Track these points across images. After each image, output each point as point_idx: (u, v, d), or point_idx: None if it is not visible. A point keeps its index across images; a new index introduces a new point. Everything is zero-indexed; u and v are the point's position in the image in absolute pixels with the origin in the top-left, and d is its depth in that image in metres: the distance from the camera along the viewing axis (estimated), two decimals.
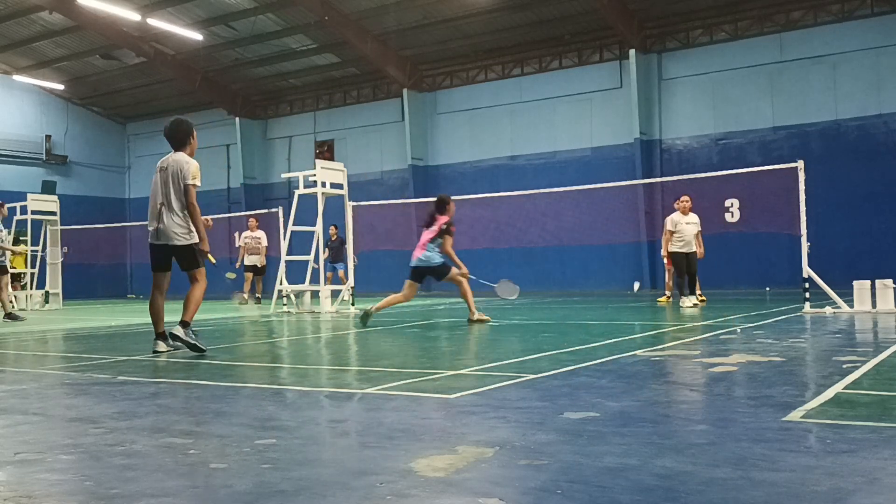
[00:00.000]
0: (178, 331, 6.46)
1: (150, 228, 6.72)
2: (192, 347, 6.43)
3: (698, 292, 12.83)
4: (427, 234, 9.64)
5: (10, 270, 18.55)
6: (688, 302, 12.04)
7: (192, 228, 6.69)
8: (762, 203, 16.84)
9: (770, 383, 4.21)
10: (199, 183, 6.83)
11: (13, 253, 16.00)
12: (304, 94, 27.99)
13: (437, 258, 9.62)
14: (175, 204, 6.67)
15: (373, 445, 2.94)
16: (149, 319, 6.83)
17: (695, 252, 12.80)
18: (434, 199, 10.12)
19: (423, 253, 9.59)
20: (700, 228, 13.07)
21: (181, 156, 6.97)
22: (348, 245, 14.26)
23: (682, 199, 13.10)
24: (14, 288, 18.05)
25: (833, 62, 19.37)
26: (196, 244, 6.66)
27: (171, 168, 6.80)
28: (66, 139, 30.20)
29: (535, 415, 3.45)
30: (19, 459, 2.81)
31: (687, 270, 12.62)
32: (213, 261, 6.91)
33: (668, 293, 13.80)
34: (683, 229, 12.78)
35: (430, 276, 9.84)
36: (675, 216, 12.93)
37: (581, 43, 22.67)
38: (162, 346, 6.64)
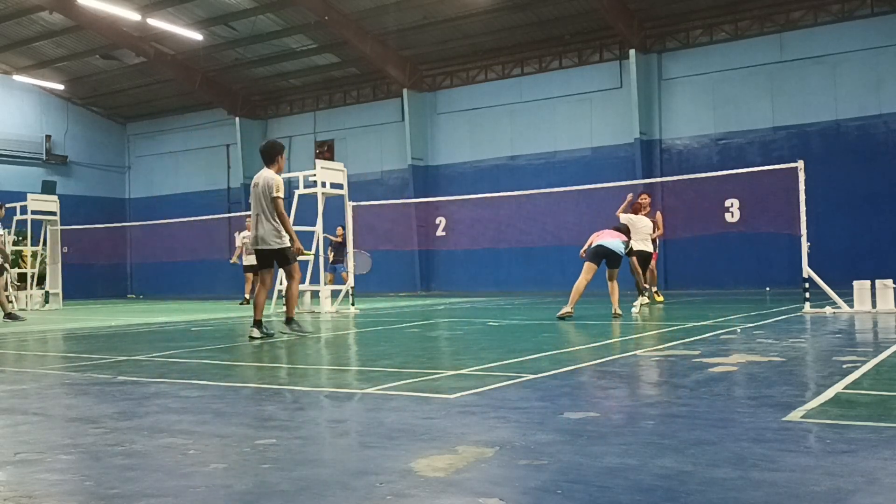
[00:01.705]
0: (285, 328, 7.89)
1: (251, 236, 8.01)
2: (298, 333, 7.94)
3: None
4: (618, 237, 10.43)
5: (19, 271, 18.61)
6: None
7: (283, 233, 7.84)
8: (762, 203, 16.83)
9: (770, 383, 4.21)
10: (282, 195, 7.87)
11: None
12: (304, 94, 27.99)
13: (622, 250, 10.44)
14: (268, 214, 7.84)
15: (373, 445, 2.94)
16: (148, 320, 6.92)
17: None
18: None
19: (616, 241, 10.33)
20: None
21: (269, 172, 8.00)
22: (348, 245, 14.25)
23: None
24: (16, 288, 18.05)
25: (833, 62, 19.37)
26: (288, 247, 7.85)
27: (262, 184, 7.89)
28: (66, 139, 30.19)
29: (535, 415, 3.45)
30: (19, 459, 2.81)
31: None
32: (309, 255, 7.85)
33: (654, 290, 13.72)
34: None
35: (605, 259, 10.45)
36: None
37: (581, 43, 22.67)
38: (256, 333, 7.74)
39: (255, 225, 7.89)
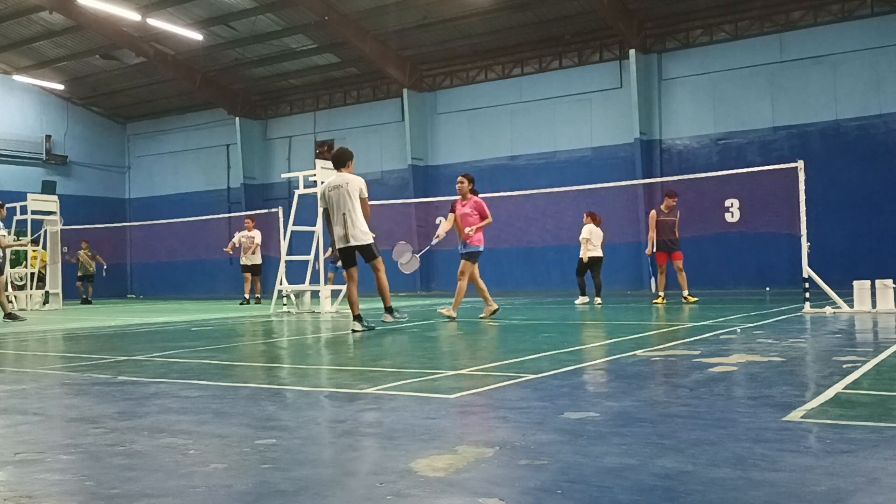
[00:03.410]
0: (388, 318, 8.61)
1: (338, 235, 8.43)
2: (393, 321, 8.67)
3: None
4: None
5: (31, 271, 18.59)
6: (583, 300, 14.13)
7: (368, 230, 8.47)
8: (762, 203, 16.84)
9: (770, 383, 4.21)
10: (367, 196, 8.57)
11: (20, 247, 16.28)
12: (304, 94, 27.99)
13: None
14: (357, 212, 8.40)
15: (373, 445, 2.94)
16: (148, 320, 6.90)
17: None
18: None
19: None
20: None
21: (350, 175, 8.58)
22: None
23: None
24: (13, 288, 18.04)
25: (833, 62, 19.37)
26: (373, 243, 8.50)
27: (347, 186, 8.42)
28: (66, 139, 30.20)
29: (535, 415, 3.45)
30: (19, 459, 2.81)
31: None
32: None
33: (661, 294, 13.67)
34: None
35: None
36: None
37: (581, 43, 22.67)
38: (358, 327, 8.30)
39: (342, 224, 8.36)
